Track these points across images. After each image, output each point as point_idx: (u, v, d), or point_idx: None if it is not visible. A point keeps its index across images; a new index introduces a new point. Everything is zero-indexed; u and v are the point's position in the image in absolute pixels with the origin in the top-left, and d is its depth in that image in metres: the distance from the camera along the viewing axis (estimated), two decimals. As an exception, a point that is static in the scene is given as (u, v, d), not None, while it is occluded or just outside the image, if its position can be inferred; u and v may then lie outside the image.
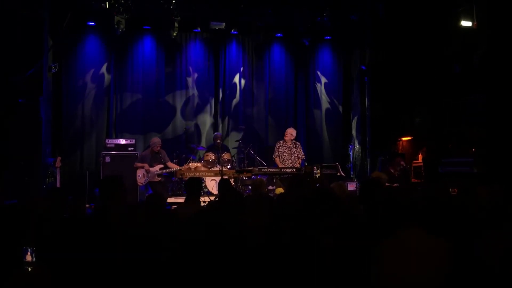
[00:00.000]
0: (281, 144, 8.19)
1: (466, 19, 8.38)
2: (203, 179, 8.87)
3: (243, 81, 10.71)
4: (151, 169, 7.87)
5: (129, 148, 8.86)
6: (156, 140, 8.10)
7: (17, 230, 2.72)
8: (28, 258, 2.08)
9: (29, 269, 2.05)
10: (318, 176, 7.05)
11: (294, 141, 8.24)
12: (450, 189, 3.71)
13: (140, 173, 7.99)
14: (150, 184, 8.00)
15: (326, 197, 2.33)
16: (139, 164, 7.95)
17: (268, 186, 8.42)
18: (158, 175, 7.94)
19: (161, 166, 7.95)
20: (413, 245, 2.02)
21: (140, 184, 8.05)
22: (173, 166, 8.12)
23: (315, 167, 7.21)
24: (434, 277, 1.91)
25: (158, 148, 8.00)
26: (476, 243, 1.94)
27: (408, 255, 1.99)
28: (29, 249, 2.09)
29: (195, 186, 4.45)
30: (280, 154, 8.12)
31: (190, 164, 8.37)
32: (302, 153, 8.27)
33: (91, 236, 2.66)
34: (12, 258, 2.27)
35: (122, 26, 8.94)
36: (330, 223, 2.26)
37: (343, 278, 2.05)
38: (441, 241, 2.02)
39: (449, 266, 1.90)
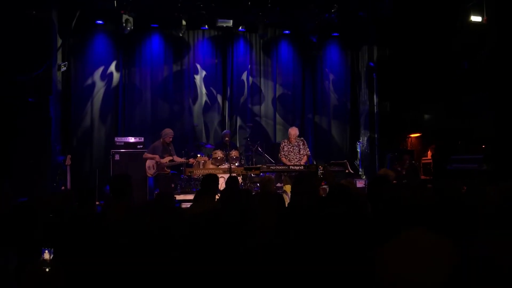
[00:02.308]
0: (286, 143, 8.19)
1: (476, 14, 8.30)
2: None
3: (250, 79, 10.70)
4: (161, 160, 7.87)
5: (138, 146, 8.91)
6: (168, 130, 8.06)
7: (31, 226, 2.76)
8: (46, 256, 2.09)
9: (47, 269, 2.06)
10: (322, 176, 7.03)
11: (299, 138, 8.23)
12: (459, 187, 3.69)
13: (150, 164, 8.00)
14: (157, 177, 8.01)
15: (342, 194, 2.32)
16: (149, 155, 7.94)
17: (277, 183, 8.42)
18: (167, 167, 7.95)
19: (171, 158, 7.97)
20: (420, 246, 2.00)
21: (149, 176, 8.07)
22: (180, 160, 8.13)
23: (320, 166, 7.20)
24: (441, 278, 1.90)
25: (170, 139, 8.02)
26: (485, 243, 1.93)
27: (415, 255, 1.98)
28: (47, 249, 2.10)
29: (211, 183, 4.46)
30: (286, 154, 8.13)
31: (198, 157, 8.38)
32: (308, 149, 8.26)
33: (97, 234, 2.69)
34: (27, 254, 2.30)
35: (130, 25, 8.98)
36: (340, 220, 2.25)
37: (352, 277, 2.04)
38: (449, 241, 2.01)
39: (456, 267, 1.89)
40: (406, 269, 1.97)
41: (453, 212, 2.48)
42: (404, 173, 7.94)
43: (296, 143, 8.12)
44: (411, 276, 1.95)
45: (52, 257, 2.08)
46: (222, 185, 8.63)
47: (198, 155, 8.91)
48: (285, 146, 8.16)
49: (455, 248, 1.97)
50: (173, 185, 8.81)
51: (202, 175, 6.57)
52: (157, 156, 7.86)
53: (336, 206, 2.80)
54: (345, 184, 4.34)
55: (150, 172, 8.01)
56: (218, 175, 8.51)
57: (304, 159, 8.10)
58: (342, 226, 2.32)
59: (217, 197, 7.15)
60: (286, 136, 8.58)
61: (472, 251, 1.88)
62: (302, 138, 8.29)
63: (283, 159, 8.10)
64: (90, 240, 2.67)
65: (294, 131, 8.17)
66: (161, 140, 8.02)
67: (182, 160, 8.17)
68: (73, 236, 2.76)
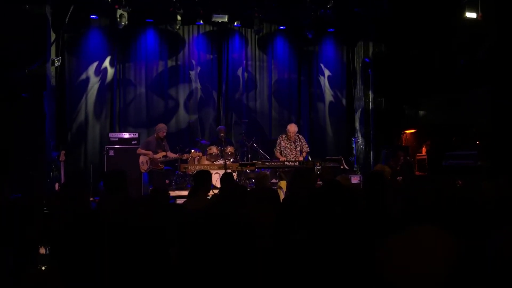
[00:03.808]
0: (283, 139, 8.18)
1: (471, 11, 8.31)
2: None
3: (246, 74, 10.67)
4: (155, 156, 7.84)
5: (133, 142, 8.88)
6: (162, 125, 8.03)
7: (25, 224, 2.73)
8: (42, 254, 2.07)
9: (43, 268, 2.04)
10: (319, 172, 7.06)
11: (297, 135, 8.23)
12: (456, 182, 3.70)
13: (143, 159, 7.97)
14: (151, 172, 7.98)
15: (337, 191, 2.32)
16: (143, 151, 7.90)
17: (272, 180, 8.43)
18: (161, 162, 7.93)
19: (164, 153, 7.94)
20: (425, 242, 2.00)
21: (143, 171, 8.04)
22: (173, 155, 8.11)
23: (317, 163, 7.22)
24: (443, 275, 1.90)
25: (164, 134, 7.99)
26: (488, 240, 1.93)
27: (419, 252, 1.98)
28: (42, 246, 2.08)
29: (204, 179, 4.44)
30: (282, 149, 8.12)
31: (192, 153, 8.35)
32: (307, 145, 8.26)
33: (95, 230, 2.67)
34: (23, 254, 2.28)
35: (124, 20, 8.92)
36: (338, 217, 2.25)
37: (352, 274, 2.04)
38: (451, 237, 2.01)
39: (459, 263, 1.89)
40: (408, 265, 1.97)
41: (453, 207, 2.48)
42: (398, 168, 7.98)
43: (294, 140, 8.13)
44: (413, 273, 1.95)
45: (48, 255, 2.07)
46: (217, 181, 8.65)
47: (192, 151, 8.88)
48: (282, 142, 8.16)
49: (458, 245, 1.97)
50: (167, 181, 8.79)
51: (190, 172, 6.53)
52: (150, 152, 7.83)
53: (329, 202, 2.79)
54: (339, 180, 4.35)
55: (144, 167, 7.97)
56: (213, 171, 8.57)
57: (304, 155, 8.12)
58: (338, 223, 2.32)
59: (212, 193, 7.17)
60: (282, 132, 8.58)
61: (479, 249, 1.88)
62: (297, 135, 8.29)
63: (277, 154, 8.11)
64: (85, 237, 2.65)
65: (293, 128, 8.14)
66: (155, 135, 7.99)
67: (176, 155, 8.14)
68: (68, 233, 2.73)
